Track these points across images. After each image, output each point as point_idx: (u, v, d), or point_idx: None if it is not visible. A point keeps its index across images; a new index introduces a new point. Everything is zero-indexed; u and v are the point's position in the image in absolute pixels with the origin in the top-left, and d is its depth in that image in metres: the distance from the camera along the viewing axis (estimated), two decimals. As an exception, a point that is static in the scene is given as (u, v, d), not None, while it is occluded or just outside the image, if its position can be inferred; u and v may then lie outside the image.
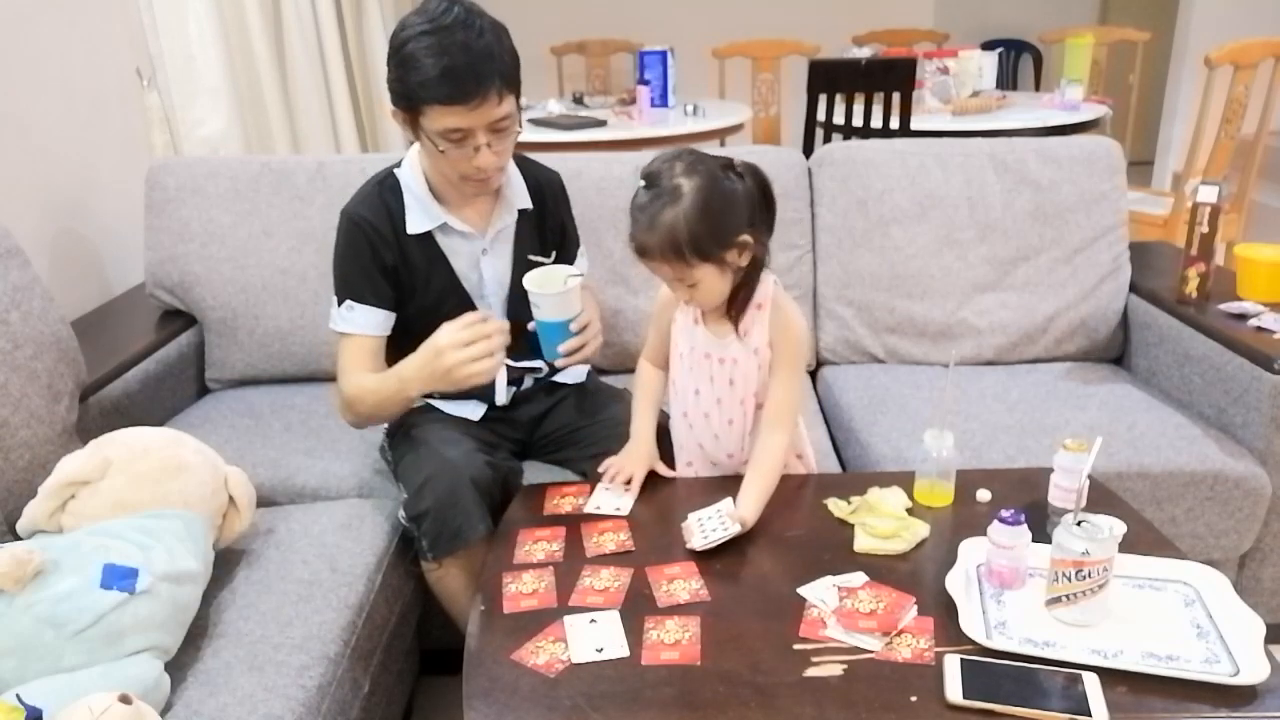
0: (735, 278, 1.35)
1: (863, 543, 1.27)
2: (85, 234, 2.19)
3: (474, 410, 1.65)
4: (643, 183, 1.31)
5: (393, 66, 1.39)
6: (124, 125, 2.37)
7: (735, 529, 1.27)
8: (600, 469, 1.47)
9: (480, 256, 1.59)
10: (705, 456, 1.50)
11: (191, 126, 2.62)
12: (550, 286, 1.45)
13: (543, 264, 1.54)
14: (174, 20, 2.54)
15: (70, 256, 2.12)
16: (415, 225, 1.54)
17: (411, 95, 1.38)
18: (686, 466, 1.52)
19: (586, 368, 1.78)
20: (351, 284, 1.54)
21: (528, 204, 1.62)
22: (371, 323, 1.55)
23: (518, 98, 1.44)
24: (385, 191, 1.55)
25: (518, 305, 1.55)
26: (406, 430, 1.59)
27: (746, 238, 1.31)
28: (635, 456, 1.47)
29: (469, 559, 1.44)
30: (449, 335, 1.41)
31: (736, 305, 1.38)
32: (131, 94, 2.41)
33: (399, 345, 1.54)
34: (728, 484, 1.40)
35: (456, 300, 1.58)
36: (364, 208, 1.54)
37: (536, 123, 3.28)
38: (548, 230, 1.67)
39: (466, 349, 1.39)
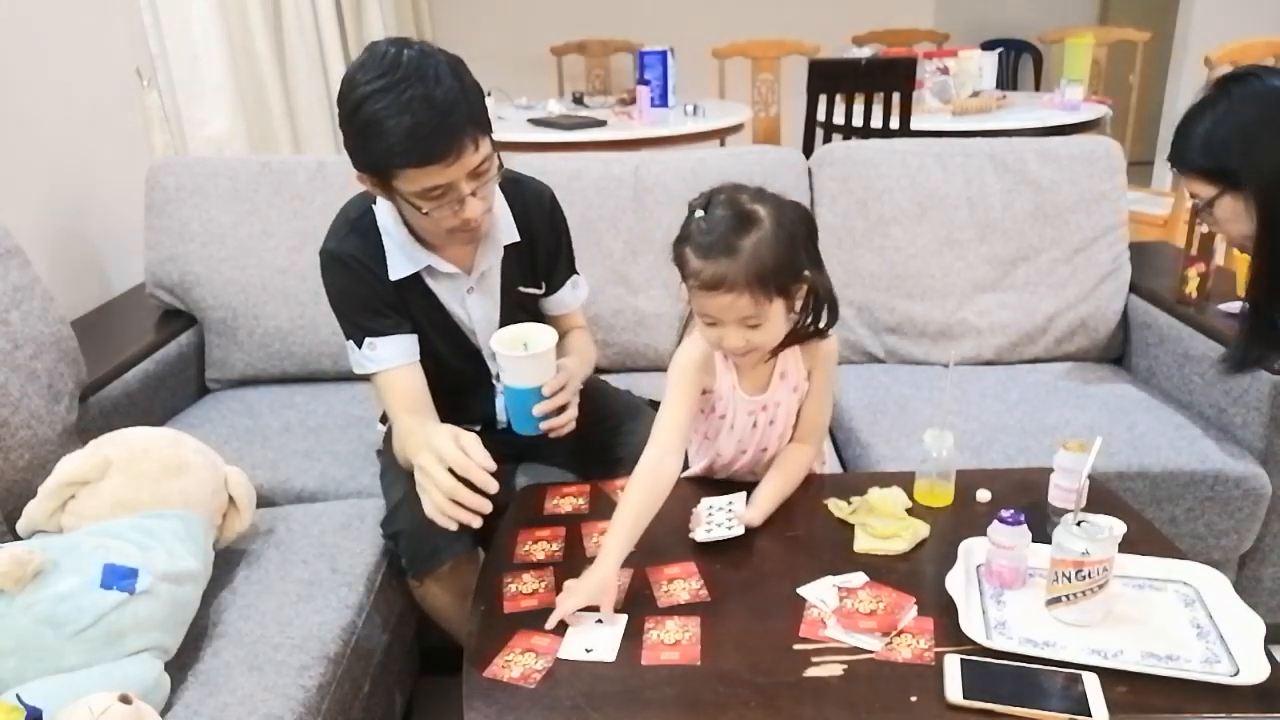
0: (790, 322, 1.28)
1: (863, 543, 1.27)
2: (85, 234, 2.19)
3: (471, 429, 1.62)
4: (700, 211, 1.22)
5: (350, 132, 1.27)
6: (124, 125, 2.37)
7: (738, 530, 1.27)
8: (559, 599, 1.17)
9: (465, 296, 1.52)
10: (727, 473, 1.48)
11: (197, 126, 2.62)
12: (528, 347, 1.33)
13: (530, 296, 1.53)
14: (178, 21, 2.54)
15: (70, 256, 2.12)
16: (397, 270, 1.44)
17: (378, 162, 1.26)
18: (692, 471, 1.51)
19: None
20: (362, 321, 1.44)
21: (515, 237, 1.52)
22: (400, 352, 1.45)
23: (490, 135, 1.33)
24: (363, 230, 1.44)
25: None
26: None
27: (809, 274, 1.25)
28: (598, 586, 1.14)
29: (452, 577, 1.43)
30: (449, 451, 1.23)
31: (782, 348, 1.31)
32: (131, 94, 2.41)
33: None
34: (739, 487, 1.39)
35: (451, 336, 1.53)
36: (345, 245, 1.44)
37: (536, 123, 3.28)
38: (538, 260, 1.57)
39: (439, 474, 1.22)
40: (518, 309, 1.56)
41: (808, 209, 1.32)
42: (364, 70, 1.24)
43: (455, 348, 1.55)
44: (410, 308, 1.48)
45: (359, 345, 1.45)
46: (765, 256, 1.18)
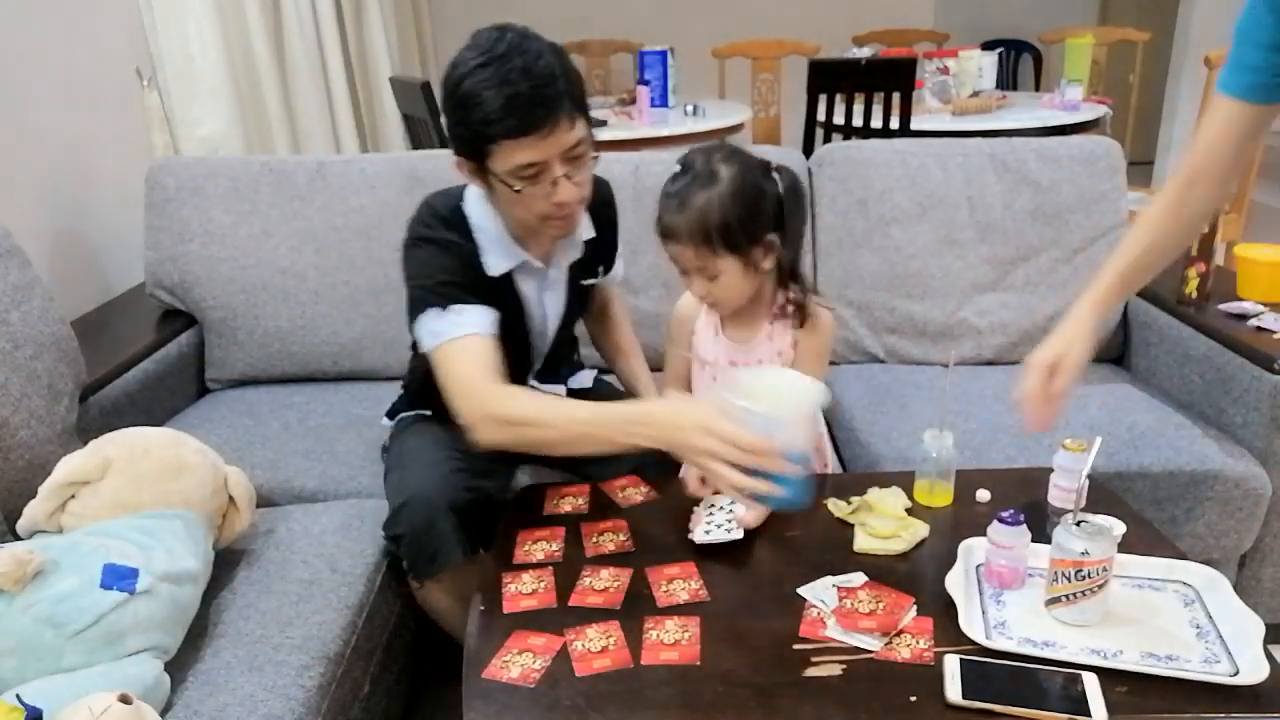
0: (759, 280, 1.34)
1: (862, 543, 1.27)
2: (85, 234, 2.19)
3: None
4: (678, 167, 1.31)
5: (450, 110, 1.28)
6: (124, 125, 2.37)
7: (737, 534, 1.27)
8: (692, 491, 1.27)
9: (544, 293, 1.52)
10: None
11: (191, 126, 2.62)
12: (789, 401, 1.10)
13: (587, 287, 1.49)
14: (174, 20, 2.54)
15: (70, 256, 2.12)
16: (495, 267, 1.41)
17: (476, 136, 1.26)
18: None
19: (593, 372, 1.78)
20: (450, 289, 1.37)
21: (592, 232, 1.53)
22: (487, 320, 1.37)
23: (588, 121, 1.33)
24: (456, 226, 1.42)
25: (564, 332, 1.60)
26: (403, 438, 1.58)
27: (773, 238, 1.31)
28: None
29: (452, 579, 1.43)
30: (713, 423, 1.15)
31: (770, 310, 1.39)
32: (131, 94, 2.41)
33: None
34: None
35: (516, 331, 1.49)
36: (440, 233, 1.40)
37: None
38: (601, 252, 1.59)
39: (723, 446, 1.14)
40: (577, 302, 1.59)
41: (798, 181, 1.36)
42: (466, 52, 1.26)
43: (516, 342, 1.50)
44: (490, 299, 1.43)
45: (444, 309, 1.35)
46: (712, 214, 1.27)
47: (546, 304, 1.54)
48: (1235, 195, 3.15)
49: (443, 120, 1.30)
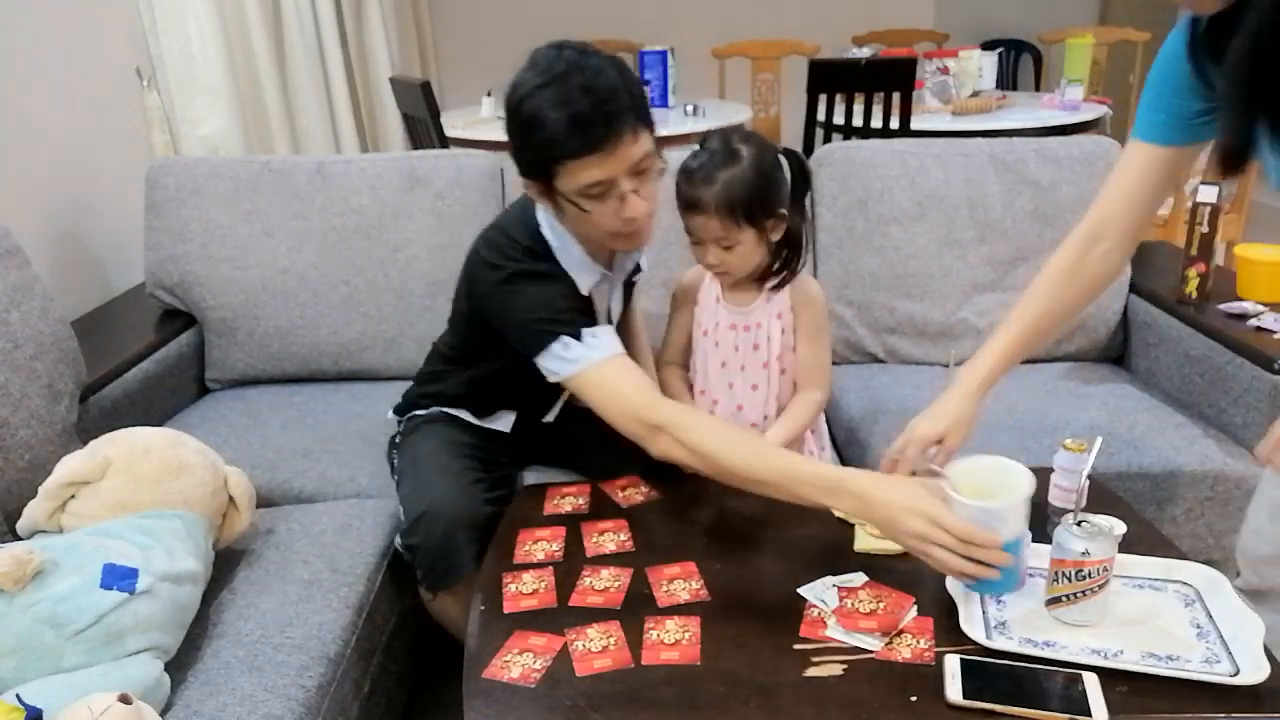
0: (768, 251, 1.46)
1: (863, 542, 1.27)
2: (85, 234, 2.19)
3: (505, 422, 1.61)
4: (698, 145, 1.42)
5: (515, 133, 1.28)
6: (124, 125, 2.37)
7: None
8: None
9: (612, 295, 1.52)
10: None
11: (191, 126, 2.62)
12: (1006, 493, 1.07)
13: (631, 285, 1.51)
14: (174, 20, 2.54)
15: (70, 256, 2.12)
16: (585, 285, 1.42)
17: (542, 157, 1.26)
18: None
19: None
20: (574, 314, 1.36)
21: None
22: (616, 340, 1.37)
23: (653, 132, 1.31)
24: (540, 258, 1.39)
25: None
26: (415, 440, 1.57)
27: (784, 212, 1.43)
28: None
29: (465, 590, 1.42)
30: (929, 507, 1.10)
31: (772, 278, 1.49)
32: (131, 94, 2.41)
33: (503, 375, 1.44)
34: None
35: None
36: (532, 265, 1.38)
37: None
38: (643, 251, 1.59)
39: (941, 534, 1.08)
40: (625, 300, 1.62)
41: (805, 161, 1.48)
42: (526, 73, 1.26)
43: None
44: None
45: (578, 338, 1.33)
46: (736, 189, 1.38)
47: (613, 307, 1.54)
48: (1235, 196, 3.14)
49: (509, 143, 1.31)
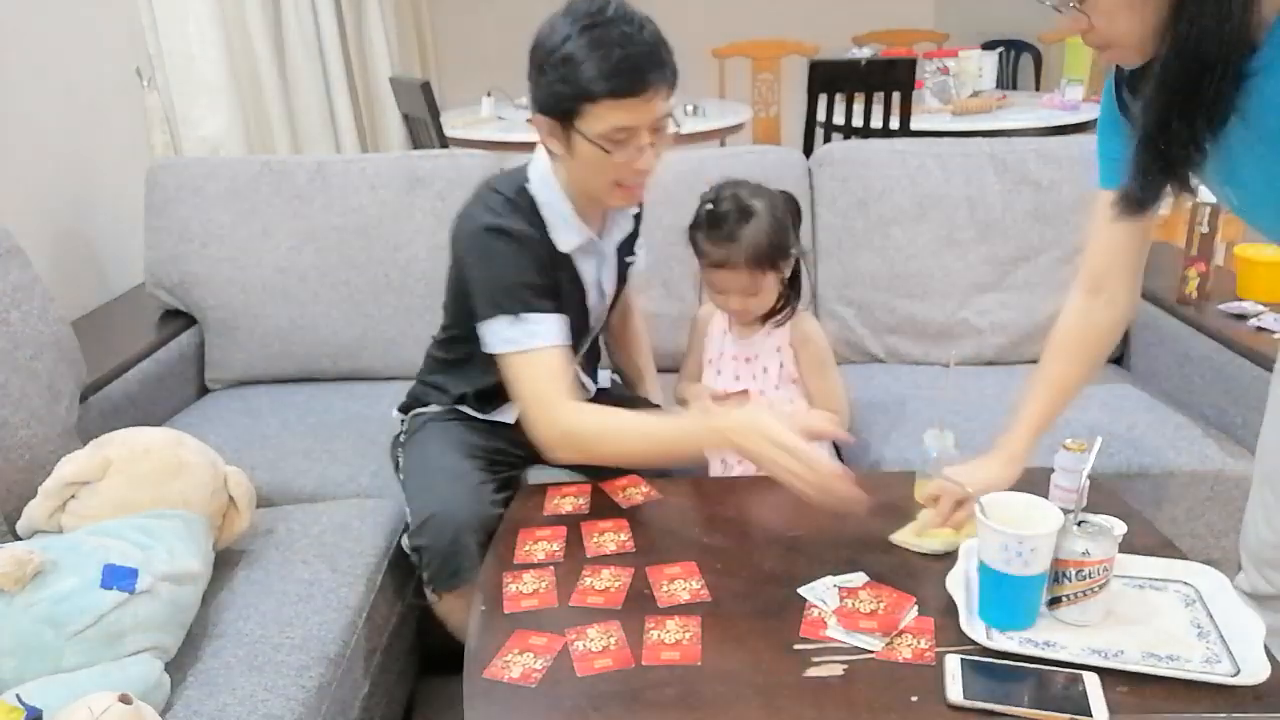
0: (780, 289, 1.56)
1: (901, 536, 1.26)
2: (85, 234, 2.19)
3: (508, 413, 1.58)
4: (710, 205, 1.51)
5: (548, 68, 1.28)
6: (124, 125, 2.37)
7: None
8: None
9: (602, 269, 1.54)
10: (737, 466, 1.58)
11: (192, 126, 2.62)
12: (1038, 523, 1.07)
13: (627, 265, 1.56)
14: (174, 20, 2.54)
15: (70, 256, 2.12)
16: (567, 243, 1.43)
17: (577, 93, 1.27)
18: (720, 464, 1.58)
19: (608, 372, 1.78)
20: (522, 294, 1.36)
21: (636, 208, 1.60)
22: (559, 330, 1.37)
23: (673, 98, 1.36)
24: (524, 206, 1.42)
25: (606, 317, 1.64)
26: (422, 439, 1.57)
27: (794, 251, 1.54)
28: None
29: (471, 593, 1.43)
30: (781, 434, 1.20)
31: (777, 314, 1.59)
32: (131, 94, 2.41)
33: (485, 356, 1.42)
34: (758, 482, 1.39)
35: (576, 315, 1.48)
36: (510, 221, 1.39)
37: (537, 123, 3.28)
38: (638, 229, 1.64)
39: (791, 459, 1.19)
40: (621, 282, 1.64)
41: (794, 197, 1.58)
42: (568, 14, 1.28)
43: (575, 326, 1.49)
44: (560, 289, 1.45)
45: (516, 317, 1.35)
46: (762, 242, 1.48)
47: (604, 282, 1.56)
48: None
49: (531, 78, 1.33)
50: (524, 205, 1.42)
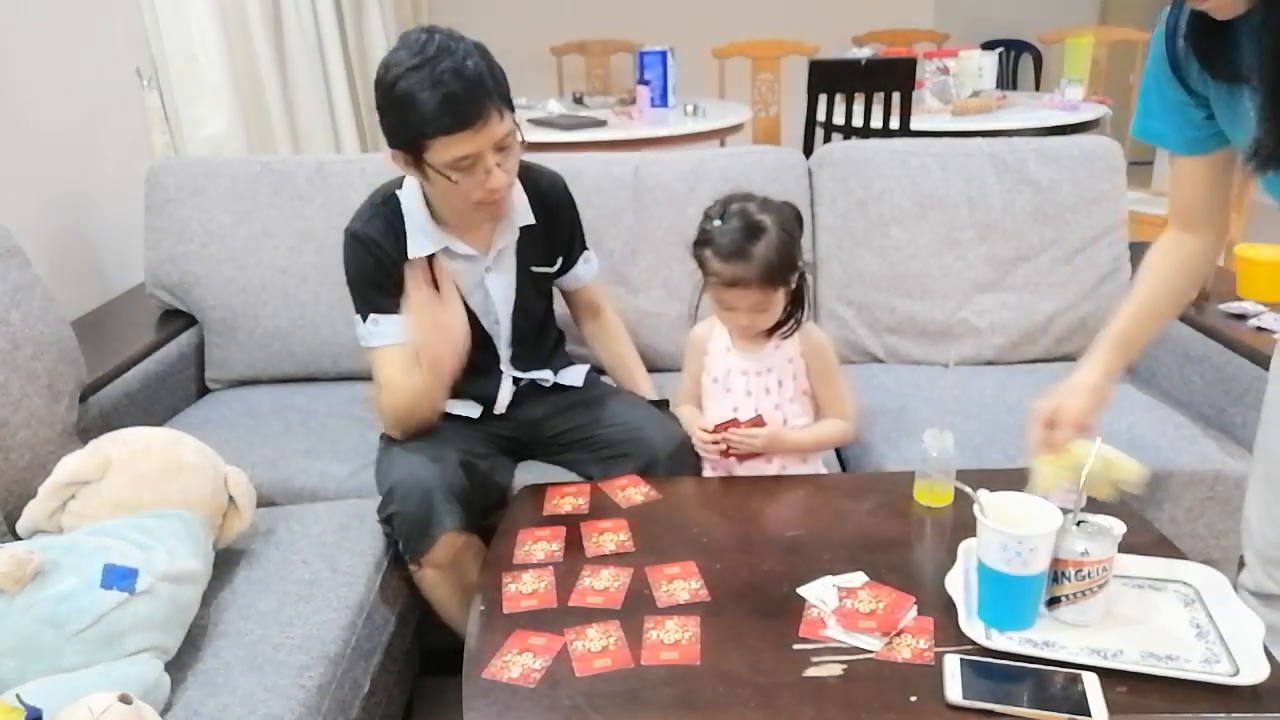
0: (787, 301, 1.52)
1: (1043, 477, 1.20)
2: (85, 234, 2.19)
3: (472, 409, 1.65)
4: (718, 221, 1.45)
5: (388, 110, 1.39)
6: (124, 125, 2.37)
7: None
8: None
9: (484, 275, 1.61)
10: (738, 467, 1.56)
11: (195, 126, 2.62)
12: (1033, 523, 1.07)
13: (543, 275, 1.56)
14: (176, 21, 2.54)
15: (70, 256, 2.12)
16: (417, 249, 1.54)
17: (414, 133, 1.37)
18: (712, 470, 1.58)
19: (585, 368, 1.78)
20: (371, 298, 1.55)
21: (531, 219, 1.63)
22: (398, 331, 1.53)
23: (513, 113, 1.45)
24: (387, 213, 1.55)
25: (521, 317, 1.66)
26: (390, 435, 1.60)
27: (800, 264, 1.49)
28: None
29: (450, 563, 1.45)
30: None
31: (783, 327, 1.53)
32: (131, 94, 2.41)
33: None
34: (758, 483, 1.39)
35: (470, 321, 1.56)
36: (369, 227, 1.54)
37: (536, 123, 3.28)
38: (554, 240, 1.68)
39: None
40: (531, 288, 1.67)
41: (797, 207, 1.51)
42: (398, 54, 1.37)
43: (473, 329, 1.55)
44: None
45: (364, 319, 1.55)
46: (773, 259, 1.42)
47: (491, 289, 1.61)
48: (1235, 195, 3.15)
49: (379, 115, 1.42)
50: (387, 212, 1.56)
